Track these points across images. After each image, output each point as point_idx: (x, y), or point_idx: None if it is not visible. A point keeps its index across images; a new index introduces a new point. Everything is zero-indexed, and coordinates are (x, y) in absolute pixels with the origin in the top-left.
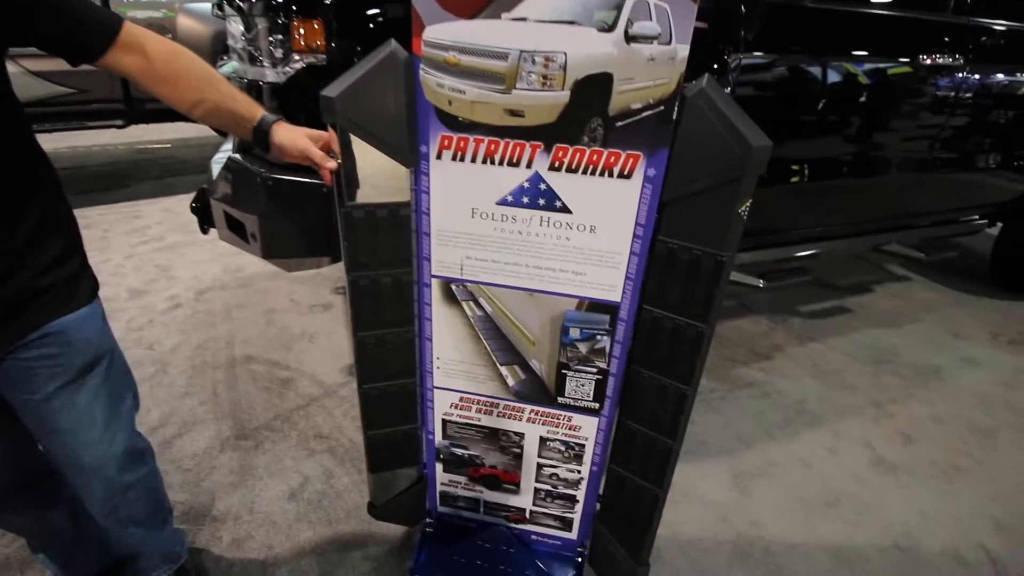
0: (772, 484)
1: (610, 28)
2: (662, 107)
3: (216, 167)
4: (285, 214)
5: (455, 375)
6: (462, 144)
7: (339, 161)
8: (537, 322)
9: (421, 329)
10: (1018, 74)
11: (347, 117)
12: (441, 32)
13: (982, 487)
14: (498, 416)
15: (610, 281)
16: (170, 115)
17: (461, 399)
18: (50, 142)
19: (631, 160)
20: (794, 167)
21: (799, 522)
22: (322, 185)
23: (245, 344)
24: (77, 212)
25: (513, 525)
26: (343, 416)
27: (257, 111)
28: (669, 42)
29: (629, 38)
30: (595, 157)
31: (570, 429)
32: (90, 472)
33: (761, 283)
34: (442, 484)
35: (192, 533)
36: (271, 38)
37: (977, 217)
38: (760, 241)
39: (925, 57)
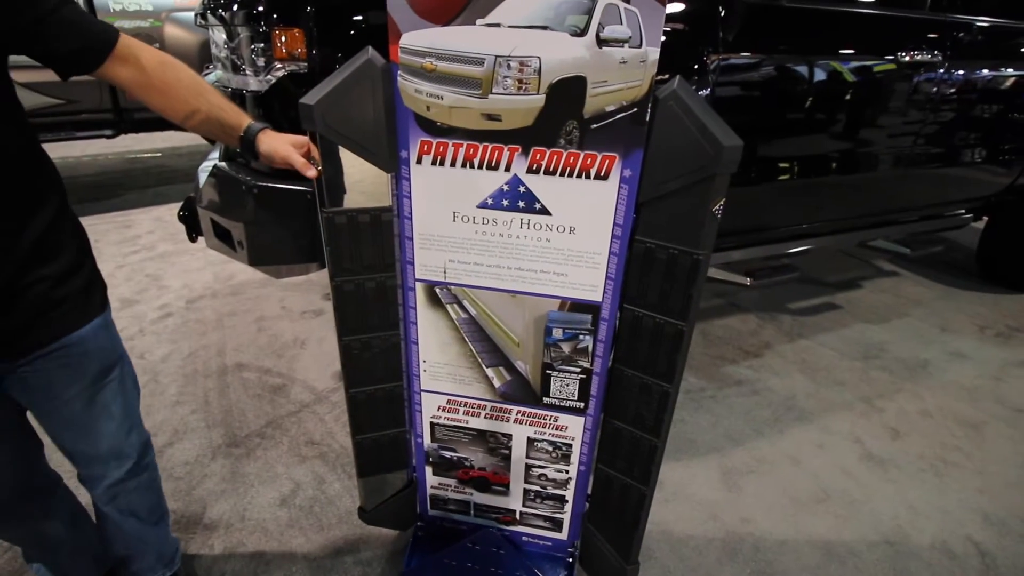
0: (762, 481)
1: (582, 32)
2: (635, 109)
3: (203, 175)
4: (271, 221)
5: (442, 378)
6: (441, 149)
7: (319, 167)
8: (521, 323)
9: (407, 333)
10: (998, 69)
11: (326, 124)
12: (418, 39)
13: (970, 480)
14: (485, 418)
15: (591, 281)
16: (160, 124)
17: (448, 402)
18: None
19: (607, 161)
20: (778, 165)
21: (789, 518)
22: (307, 192)
23: (236, 352)
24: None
25: (504, 527)
26: (334, 422)
27: (244, 120)
28: (640, 45)
29: (601, 42)
30: (572, 159)
31: (557, 429)
32: (104, 460)
33: (748, 281)
34: (432, 487)
35: (184, 541)
36: (253, 47)
37: (963, 211)
38: (747, 239)
39: (904, 54)
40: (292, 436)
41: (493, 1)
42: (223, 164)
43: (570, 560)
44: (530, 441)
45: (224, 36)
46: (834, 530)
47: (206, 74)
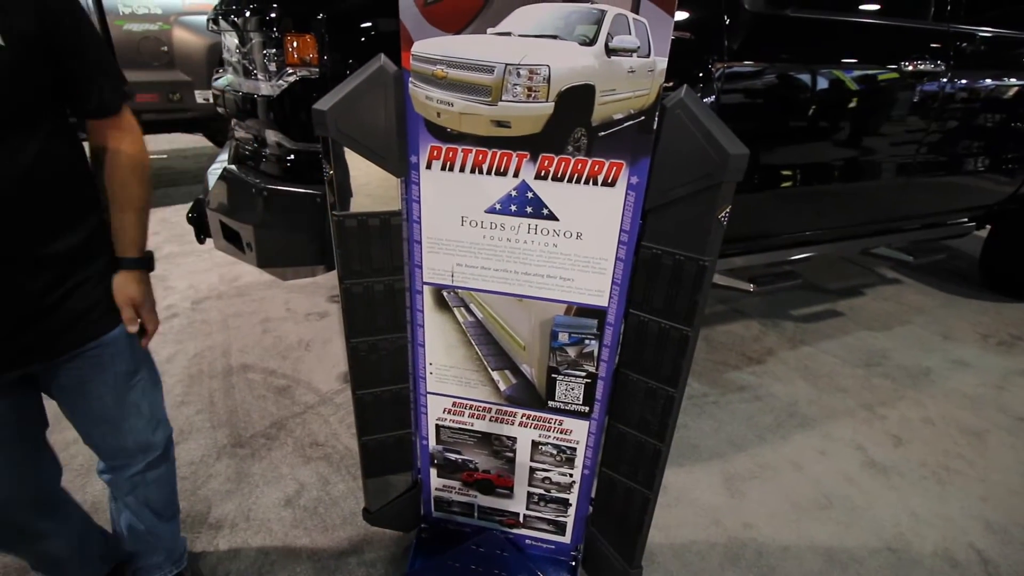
0: (764, 487)
1: (591, 42)
2: (643, 117)
3: (212, 178)
4: (280, 224)
5: (447, 380)
6: (451, 154)
7: (332, 171)
8: (527, 327)
9: (414, 335)
10: (1000, 79)
11: (338, 129)
12: (429, 47)
13: (973, 488)
14: (490, 421)
15: (597, 286)
16: (165, 127)
17: (454, 404)
18: None
19: (614, 168)
20: (782, 173)
21: (791, 524)
22: (316, 195)
23: (241, 353)
24: None
25: (507, 529)
26: (339, 423)
27: (133, 251)
28: (648, 55)
29: (609, 51)
30: (580, 166)
31: (561, 433)
32: (131, 452)
33: (751, 287)
34: (436, 489)
35: (189, 540)
36: (265, 52)
37: (965, 220)
38: (750, 246)
39: (907, 64)
40: (297, 437)
41: (504, 11)
42: (233, 167)
43: (573, 564)
44: (534, 444)
45: (236, 41)
46: (836, 536)
47: (216, 78)
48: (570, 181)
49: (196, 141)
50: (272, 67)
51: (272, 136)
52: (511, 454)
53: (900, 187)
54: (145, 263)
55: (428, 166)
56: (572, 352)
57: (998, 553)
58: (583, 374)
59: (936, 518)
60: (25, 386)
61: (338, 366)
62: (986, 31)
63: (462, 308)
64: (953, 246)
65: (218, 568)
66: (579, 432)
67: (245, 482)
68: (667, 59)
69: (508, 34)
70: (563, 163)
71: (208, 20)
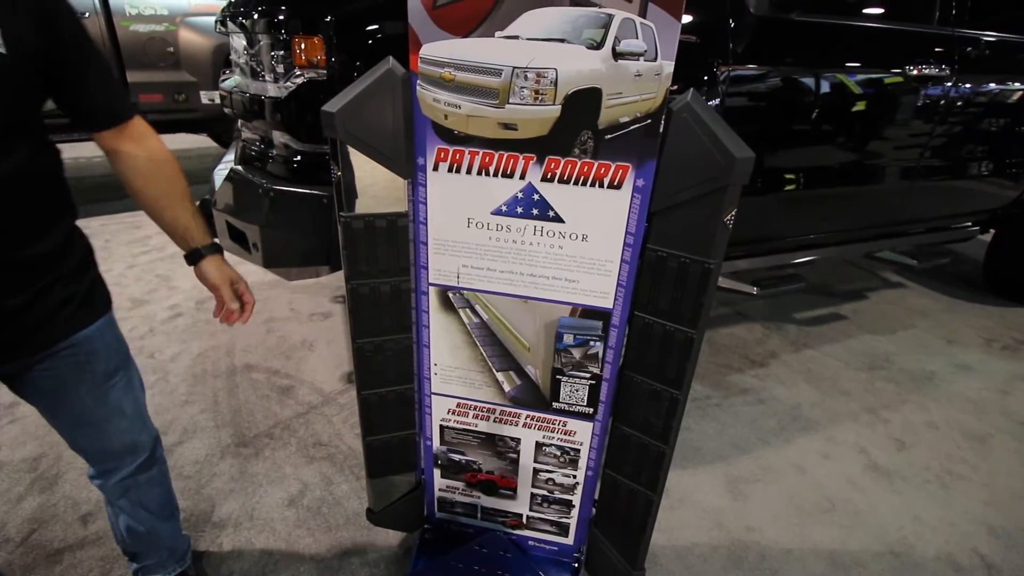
0: (767, 490)
1: (598, 46)
2: (649, 120)
3: (218, 178)
4: (286, 224)
5: (452, 381)
6: (458, 156)
7: (339, 173)
8: (532, 328)
9: (419, 336)
10: (1005, 83)
11: (347, 131)
12: (437, 50)
13: (976, 492)
14: (495, 421)
15: (602, 288)
16: (170, 127)
17: (458, 405)
18: None
19: (620, 171)
20: (786, 176)
21: (794, 527)
22: (323, 196)
23: (245, 353)
24: (79, 222)
25: (510, 530)
26: (342, 423)
27: (206, 238)
28: (655, 59)
29: (616, 55)
30: (586, 168)
31: (565, 434)
32: (118, 455)
33: (755, 290)
34: (440, 490)
35: (193, 539)
36: (273, 54)
37: (969, 224)
38: (754, 249)
39: (912, 68)
40: (300, 437)
41: (512, 14)
42: (240, 168)
43: (576, 565)
44: (538, 445)
45: (244, 43)
46: (839, 540)
47: (223, 79)
48: (576, 183)
49: (201, 141)
50: (280, 69)
51: (279, 137)
52: (515, 455)
53: (904, 191)
54: (219, 246)
55: (435, 168)
56: (577, 354)
57: (1002, 558)
58: (587, 376)
59: (939, 522)
60: None
61: (341, 366)
62: (991, 35)
63: (467, 309)
64: (957, 250)
65: (221, 567)
66: (583, 433)
67: (249, 482)
68: (674, 63)
69: (516, 37)
70: (569, 165)
71: (216, 22)
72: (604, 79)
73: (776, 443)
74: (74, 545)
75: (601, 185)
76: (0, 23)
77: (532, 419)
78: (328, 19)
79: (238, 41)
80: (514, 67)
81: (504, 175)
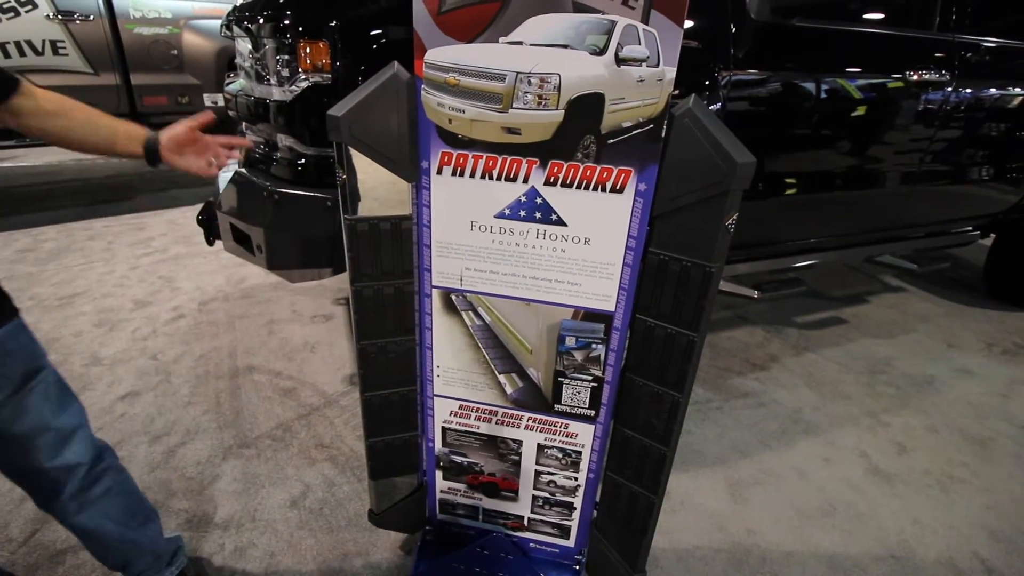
0: (768, 493)
1: (601, 51)
2: (651, 125)
3: (223, 181)
4: (290, 226)
5: (455, 383)
6: (462, 160)
7: (344, 176)
8: (534, 331)
9: (422, 338)
10: (1005, 88)
11: (352, 135)
12: (442, 55)
13: (977, 497)
14: (496, 424)
15: (604, 291)
16: None
17: (460, 407)
18: (55, 155)
19: (623, 175)
20: (786, 180)
21: (794, 531)
22: (327, 199)
23: (247, 354)
24: (83, 224)
25: (512, 533)
26: (344, 425)
27: (144, 129)
28: (657, 64)
29: (619, 61)
30: (588, 173)
31: (567, 436)
32: (50, 473)
33: (756, 294)
34: (441, 491)
35: (195, 540)
36: (278, 58)
37: (970, 228)
38: (755, 252)
39: (912, 73)
40: (302, 439)
41: (516, 20)
42: (244, 170)
43: (577, 567)
44: (540, 448)
45: (249, 47)
46: (840, 544)
47: (228, 83)
48: (579, 187)
49: None
50: (285, 73)
51: (284, 140)
52: (516, 457)
53: (905, 195)
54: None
55: (439, 171)
56: (579, 356)
57: (1003, 562)
58: (589, 378)
59: (940, 526)
60: None
61: (343, 368)
62: (991, 41)
63: (470, 312)
64: (957, 255)
65: (224, 569)
66: (584, 436)
67: (251, 482)
68: (676, 68)
69: (520, 43)
70: (572, 170)
71: (222, 26)
72: (607, 84)
73: (777, 446)
74: (76, 546)
75: (603, 189)
76: None
77: (534, 421)
78: (333, 24)
79: (243, 45)
80: (518, 72)
81: (507, 179)
